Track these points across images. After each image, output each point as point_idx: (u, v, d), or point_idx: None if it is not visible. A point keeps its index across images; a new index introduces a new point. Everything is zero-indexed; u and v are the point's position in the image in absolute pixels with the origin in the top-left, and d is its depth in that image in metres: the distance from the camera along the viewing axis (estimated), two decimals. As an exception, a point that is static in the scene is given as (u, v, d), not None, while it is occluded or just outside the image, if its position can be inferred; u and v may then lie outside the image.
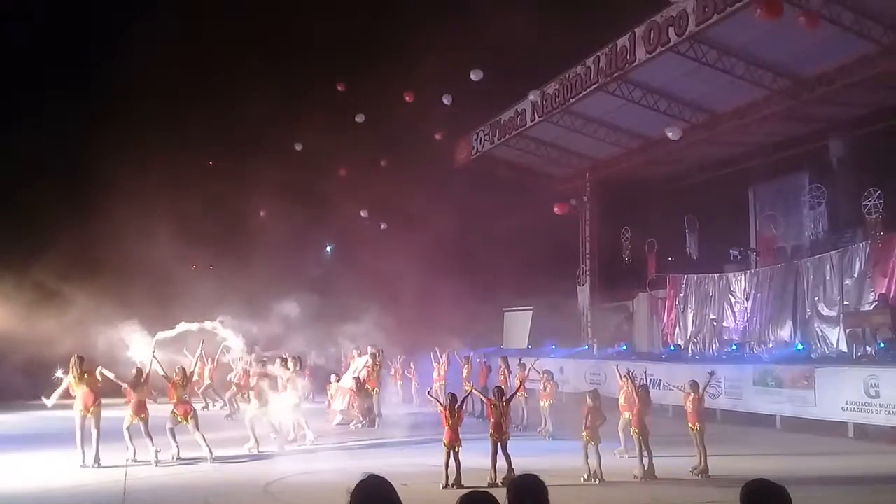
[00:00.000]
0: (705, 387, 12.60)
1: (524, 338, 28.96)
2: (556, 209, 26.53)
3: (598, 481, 11.32)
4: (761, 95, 19.57)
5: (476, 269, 25.75)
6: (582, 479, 11.38)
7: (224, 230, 24.87)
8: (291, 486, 11.71)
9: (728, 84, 19.44)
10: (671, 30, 17.85)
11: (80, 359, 13.36)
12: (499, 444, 11.45)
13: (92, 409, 13.04)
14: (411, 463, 12.64)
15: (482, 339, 26.03)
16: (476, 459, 11.47)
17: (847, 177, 19.97)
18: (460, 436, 11.35)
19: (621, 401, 13.49)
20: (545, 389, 16.77)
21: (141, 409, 13.38)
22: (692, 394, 12.26)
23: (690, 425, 12.15)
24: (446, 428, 11.39)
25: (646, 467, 11.68)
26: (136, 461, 13.20)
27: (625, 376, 13.53)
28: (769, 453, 13.99)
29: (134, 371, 13.81)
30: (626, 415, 13.09)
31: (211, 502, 10.68)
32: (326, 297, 19.86)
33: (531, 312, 29.02)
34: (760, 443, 15.31)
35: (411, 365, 23.00)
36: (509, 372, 18.91)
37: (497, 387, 13.29)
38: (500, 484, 10.51)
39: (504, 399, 12.00)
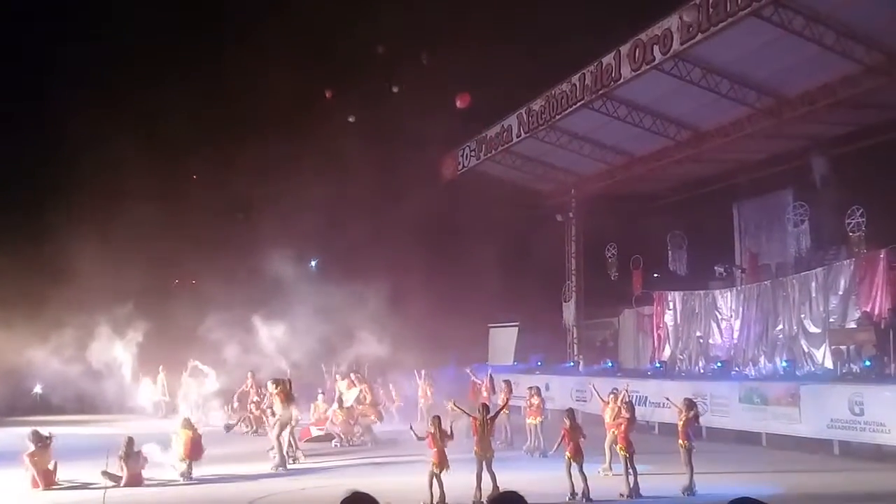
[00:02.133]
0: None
1: (510, 354, 28.88)
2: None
3: (584, 500, 11.25)
4: (745, 113, 19.69)
5: (461, 284, 25.63)
6: (567, 498, 11.31)
7: (208, 244, 24.66)
8: (274, 505, 11.57)
9: (713, 102, 19.56)
10: (656, 48, 17.95)
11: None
12: (484, 462, 11.35)
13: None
14: (397, 481, 12.50)
15: (467, 355, 25.87)
16: (461, 477, 11.35)
17: (830, 195, 20.10)
18: (447, 458, 11.20)
19: (608, 419, 13.44)
20: (531, 406, 16.63)
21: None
22: (685, 413, 12.21)
23: (680, 441, 12.12)
24: (434, 450, 11.26)
25: (631, 485, 11.63)
26: None
27: (611, 393, 13.51)
28: (755, 471, 13.95)
29: None
30: (613, 432, 13.04)
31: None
32: (309, 313, 19.68)
33: (517, 328, 28.96)
34: (746, 460, 15.27)
35: (390, 385, 22.75)
36: (493, 390, 18.76)
37: (482, 403, 13.20)
38: (484, 503, 10.41)
39: (489, 416, 11.91)
